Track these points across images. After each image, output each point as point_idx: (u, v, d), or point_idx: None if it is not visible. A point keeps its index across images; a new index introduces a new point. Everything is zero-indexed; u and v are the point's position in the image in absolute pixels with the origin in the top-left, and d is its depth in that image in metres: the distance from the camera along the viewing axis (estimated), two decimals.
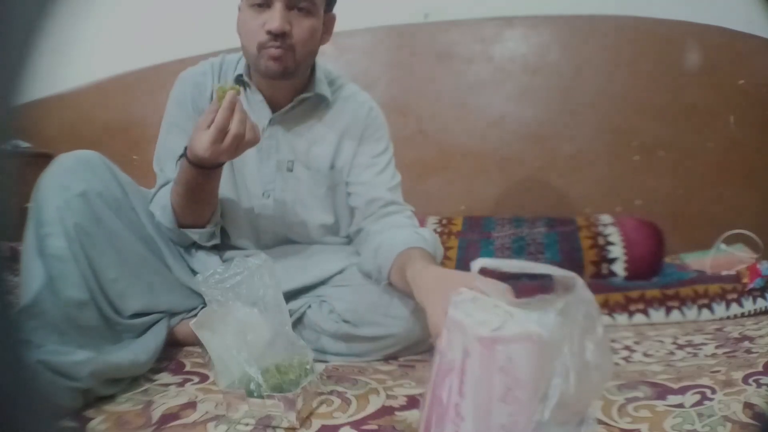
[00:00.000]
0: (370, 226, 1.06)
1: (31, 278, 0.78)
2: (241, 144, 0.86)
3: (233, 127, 0.84)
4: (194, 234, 1.00)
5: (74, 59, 1.76)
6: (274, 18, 0.94)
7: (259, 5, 0.96)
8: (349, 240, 1.17)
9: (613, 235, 1.47)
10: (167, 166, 1.04)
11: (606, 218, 1.57)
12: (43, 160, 0.95)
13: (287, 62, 0.98)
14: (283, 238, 1.11)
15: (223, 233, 1.10)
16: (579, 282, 0.56)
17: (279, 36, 0.95)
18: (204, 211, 0.98)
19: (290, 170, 1.09)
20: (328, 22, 1.05)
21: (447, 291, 0.63)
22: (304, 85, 1.08)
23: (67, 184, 0.87)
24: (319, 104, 1.10)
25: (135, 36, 1.98)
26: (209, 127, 0.84)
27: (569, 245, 1.46)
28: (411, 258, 0.88)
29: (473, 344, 0.56)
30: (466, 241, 1.53)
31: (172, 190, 0.97)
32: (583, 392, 0.55)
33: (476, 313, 0.59)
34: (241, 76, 1.06)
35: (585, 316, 0.56)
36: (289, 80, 1.02)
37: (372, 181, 1.09)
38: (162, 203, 0.98)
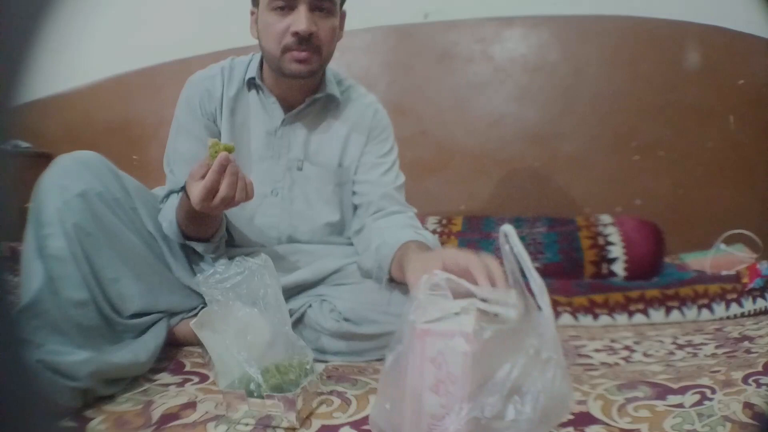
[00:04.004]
0: (372, 224, 1.07)
1: (31, 278, 0.78)
2: (231, 203, 0.84)
3: (222, 191, 0.81)
4: (198, 246, 1.01)
5: (74, 59, 1.76)
6: (301, 20, 0.95)
7: (281, 8, 0.96)
8: (351, 241, 1.17)
9: (613, 235, 1.47)
10: (177, 169, 1.05)
11: (606, 218, 1.57)
12: (43, 160, 0.95)
13: (313, 64, 0.99)
14: (287, 238, 1.12)
15: (228, 232, 1.10)
16: (548, 318, 0.59)
17: (305, 38, 0.96)
18: (208, 229, 0.98)
19: (300, 169, 1.10)
20: (341, 19, 1.06)
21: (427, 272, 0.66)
22: (316, 85, 1.09)
23: (67, 185, 0.87)
24: (330, 104, 1.12)
25: (135, 36, 1.98)
26: (203, 177, 0.82)
27: (569, 245, 1.46)
28: (408, 249, 0.89)
29: (409, 333, 0.59)
30: (466, 241, 1.53)
31: (176, 208, 0.96)
32: (534, 416, 0.57)
33: (432, 303, 0.62)
34: (253, 79, 1.07)
35: (537, 350, 0.58)
36: (309, 79, 1.04)
37: (377, 180, 1.11)
38: (169, 217, 0.99)
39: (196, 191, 0.82)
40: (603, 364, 0.96)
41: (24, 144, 1.75)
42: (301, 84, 1.06)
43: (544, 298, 0.61)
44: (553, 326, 0.60)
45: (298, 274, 1.05)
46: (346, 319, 0.99)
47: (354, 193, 1.13)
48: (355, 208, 1.13)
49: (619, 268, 1.41)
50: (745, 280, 1.24)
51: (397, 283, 0.95)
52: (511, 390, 0.58)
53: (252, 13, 1.04)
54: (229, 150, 0.82)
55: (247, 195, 0.85)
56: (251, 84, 1.09)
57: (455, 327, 0.59)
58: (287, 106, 1.08)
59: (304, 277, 1.05)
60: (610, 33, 1.77)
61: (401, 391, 0.60)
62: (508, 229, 0.63)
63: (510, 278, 0.65)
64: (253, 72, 1.08)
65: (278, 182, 1.10)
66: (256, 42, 1.05)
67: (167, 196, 1.03)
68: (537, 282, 0.61)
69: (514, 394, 0.58)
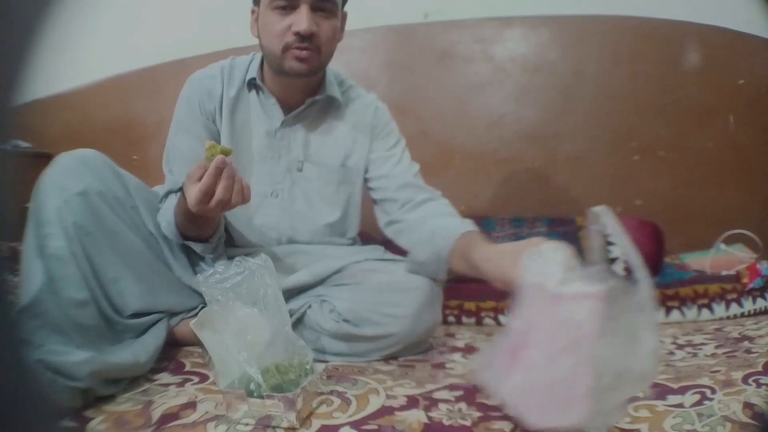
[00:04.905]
0: (410, 216, 1.06)
1: (31, 278, 0.78)
2: (228, 206, 0.84)
3: (218, 194, 0.81)
4: (197, 247, 1.00)
5: (74, 59, 1.76)
6: (302, 20, 0.95)
7: (283, 7, 0.97)
8: (353, 242, 1.17)
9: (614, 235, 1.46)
10: (176, 168, 1.05)
11: None
12: (43, 160, 0.95)
13: (313, 63, 1.00)
14: (287, 239, 1.12)
15: (227, 233, 1.10)
16: (647, 286, 0.62)
17: (306, 38, 0.96)
18: (206, 230, 0.98)
19: (300, 170, 1.10)
20: (342, 20, 1.06)
21: (521, 258, 0.68)
22: (316, 86, 1.09)
23: (67, 184, 0.87)
24: (330, 106, 1.12)
25: (135, 36, 1.98)
26: (199, 180, 0.81)
27: (569, 245, 1.46)
28: (475, 241, 0.88)
29: (540, 299, 0.62)
30: None
31: (174, 209, 0.96)
32: (625, 382, 0.61)
33: (547, 273, 0.64)
34: (253, 79, 1.07)
35: (639, 310, 0.62)
36: (309, 79, 1.04)
37: (392, 172, 1.11)
38: (167, 218, 0.98)
39: (193, 193, 0.81)
40: None
41: (24, 144, 1.75)
42: (301, 84, 1.06)
43: (641, 270, 0.63)
44: (651, 293, 0.62)
45: (296, 276, 1.04)
46: (346, 320, 0.99)
47: (372, 189, 1.13)
48: (381, 205, 1.12)
49: (619, 268, 1.41)
50: (745, 280, 1.24)
51: (456, 271, 0.94)
52: (627, 348, 0.60)
53: (252, 12, 1.05)
54: (226, 153, 0.81)
55: (244, 198, 0.85)
56: (251, 84, 1.09)
57: (585, 288, 0.62)
58: (287, 107, 1.09)
59: (304, 280, 1.04)
60: (610, 33, 1.76)
61: (528, 356, 0.62)
62: (601, 209, 0.68)
63: (598, 255, 0.69)
64: (253, 72, 1.08)
65: (278, 183, 1.10)
66: (256, 42, 1.05)
67: (166, 195, 1.03)
68: (635, 256, 0.64)
69: (630, 350, 0.61)
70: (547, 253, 0.66)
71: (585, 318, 0.60)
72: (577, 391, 0.60)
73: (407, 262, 1.03)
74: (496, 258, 0.79)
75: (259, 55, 1.10)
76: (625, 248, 0.65)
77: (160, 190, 1.07)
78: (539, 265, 0.65)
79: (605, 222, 0.67)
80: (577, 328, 0.60)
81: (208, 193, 0.81)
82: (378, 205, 1.13)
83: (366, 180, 1.14)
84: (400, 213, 1.07)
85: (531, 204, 1.77)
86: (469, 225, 0.96)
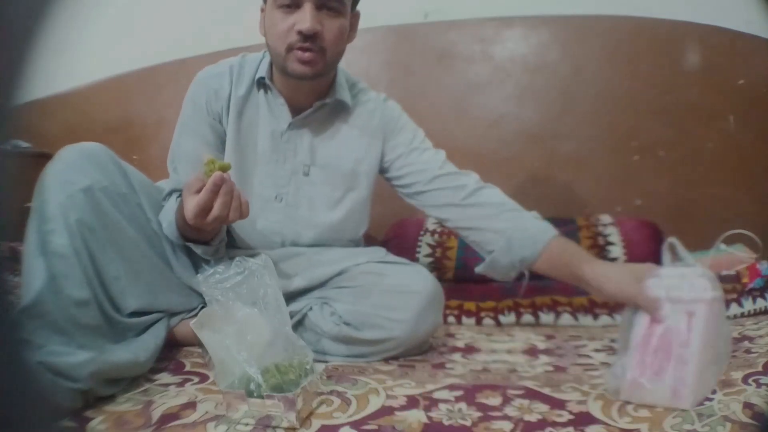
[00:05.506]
0: (467, 202, 1.05)
1: (33, 277, 0.78)
2: (225, 222, 0.84)
3: (215, 210, 0.81)
4: (197, 249, 0.99)
5: (74, 59, 1.76)
6: (305, 19, 0.93)
7: (288, 6, 0.95)
8: (357, 244, 1.16)
9: (613, 235, 1.47)
10: (180, 168, 1.04)
11: (606, 218, 1.57)
12: (43, 160, 0.94)
13: (318, 64, 0.97)
14: (290, 242, 1.10)
15: (229, 235, 1.09)
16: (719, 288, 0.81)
17: (309, 37, 0.94)
18: (207, 234, 0.96)
19: (306, 174, 1.08)
20: (354, 20, 1.04)
21: (640, 279, 0.84)
22: (326, 89, 1.07)
23: (71, 179, 0.86)
24: (340, 109, 1.10)
25: (134, 36, 1.98)
26: (198, 191, 0.81)
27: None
28: (577, 252, 0.97)
29: (699, 306, 0.78)
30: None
31: (176, 211, 0.95)
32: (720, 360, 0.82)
33: (697, 285, 0.80)
34: (262, 78, 1.06)
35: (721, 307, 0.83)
36: (316, 81, 1.02)
37: (420, 165, 1.08)
38: (168, 218, 0.97)
39: (190, 207, 0.81)
40: (603, 364, 0.96)
41: (24, 144, 1.75)
42: (309, 86, 1.03)
43: (716, 281, 0.82)
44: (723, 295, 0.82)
45: (295, 281, 1.04)
46: (346, 323, 0.99)
47: (403, 185, 1.10)
48: (408, 196, 1.11)
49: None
50: (745, 280, 1.24)
51: (543, 274, 1.00)
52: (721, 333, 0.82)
53: (262, 10, 1.03)
54: (224, 169, 0.81)
55: (242, 214, 0.84)
56: (260, 84, 1.07)
57: (719, 292, 0.80)
58: (296, 109, 1.06)
59: (302, 286, 1.04)
60: (610, 33, 1.76)
61: (684, 354, 0.76)
62: (674, 240, 0.87)
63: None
64: (263, 71, 1.05)
65: (282, 187, 1.08)
66: (255, 42, 1.05)
67: (170, 194, 1.02)
68: (710, 273, 0.83)
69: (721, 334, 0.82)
70: (687, 270, 0.83)
71: (721, 314, 0.81)
72: (714, 372, 0.78)
73: (483, 263, 1.04)
74: (616, 278, 0.87)
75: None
76: (700, 268, 0.83)
77: (164, 185, 1.06)
78: (680, 281, 0.81)
79: (678, 250, 0.86)
80: (720, 323, 0.80)
81: (205, 209, 0.81)
82: (413, 197, 1.10)
83: (390, 179, 1.12)
84: (453, 198, 1.06)
85: (531, 204, 1.75)
86: (551, 228, 1.00)
